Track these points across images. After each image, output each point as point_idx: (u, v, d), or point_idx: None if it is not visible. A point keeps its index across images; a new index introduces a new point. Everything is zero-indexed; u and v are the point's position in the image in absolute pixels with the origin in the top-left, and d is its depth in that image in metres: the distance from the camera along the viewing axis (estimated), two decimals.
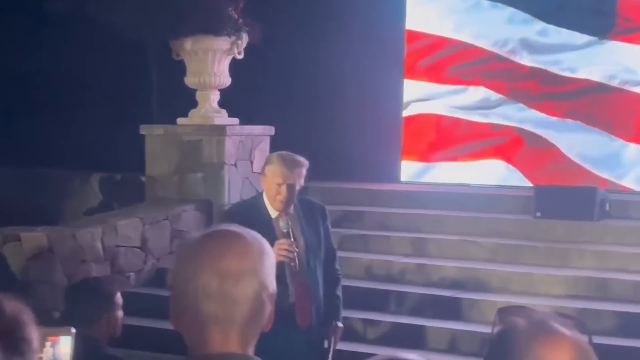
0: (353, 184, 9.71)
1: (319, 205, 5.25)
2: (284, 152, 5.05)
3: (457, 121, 10.34)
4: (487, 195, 9.29)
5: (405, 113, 10.48)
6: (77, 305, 3.93)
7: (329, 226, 5.23)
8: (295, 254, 4.80)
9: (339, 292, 5.20)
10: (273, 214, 4.95)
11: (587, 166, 9.81)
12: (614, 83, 9.74)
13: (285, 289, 4.84)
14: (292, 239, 4.82)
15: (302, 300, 4.94)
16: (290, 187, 4.90)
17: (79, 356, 2.87)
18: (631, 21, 9.72)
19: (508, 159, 10.16)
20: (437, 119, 10.42)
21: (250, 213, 4.83)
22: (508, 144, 10.16)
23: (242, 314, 1.79)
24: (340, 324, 5.13)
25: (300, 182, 4.95)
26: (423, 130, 10.49)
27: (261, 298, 1.81)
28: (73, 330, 2.87)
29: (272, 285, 1.84)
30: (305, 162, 5.01)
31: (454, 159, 10.36)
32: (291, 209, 4.98)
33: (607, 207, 8.44)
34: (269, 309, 1.83)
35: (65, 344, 2.85)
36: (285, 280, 4.82)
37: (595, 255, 7.84)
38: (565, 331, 1.78)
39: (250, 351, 1.83)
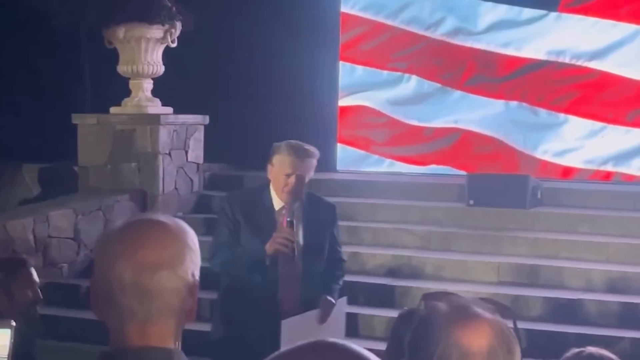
0: None
1: (328, 205, 4.95)
2: (293, 141, 4.75)
3: (394, 120, 10.24)
4: (421, 183, 9.34)
5: (343, 102, 10.44)
6: None
7: (337, 226, 4.95)
8: (295, 244, 4.56)
9: (338, 275, 4.90)
10: (277, 205, 4.72)
11: (528, 148, 9.75)
12: (564, 59, 9.62)
13: (274, 285, 4.66)
14: (295, 229, 4.58)
15: (290, 301, 4.70)
16: (299, 179, 4.64)
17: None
18: None
19: (448, 158, 10.05)
20: (372, 114, 10.34)
21: (253, 201, 4.70)
22: (448, 143, 9.98)
23: (159, 307, 1.75)
24: (329, 298, 4.72)
25: (310, 174, 4.71)
26: (359, 124, 10.43)
27: (180, 291, 1.76)
28: (13, 323, 2.83)
29: (193, 277, 1.79)
30: (316, 152, 4.73)
31: (393, 157, 10.29)
32: (296, 205, 4.73)
33: (539, 195, 8.56)
34: (189, 302, 1.79)
35: (3, 336, 2.82)
36: (275, 277, 4.65)
37: (526, 243, 7.95)
38: (485, 315, 1.79)
39: (173, 344, 1.79)
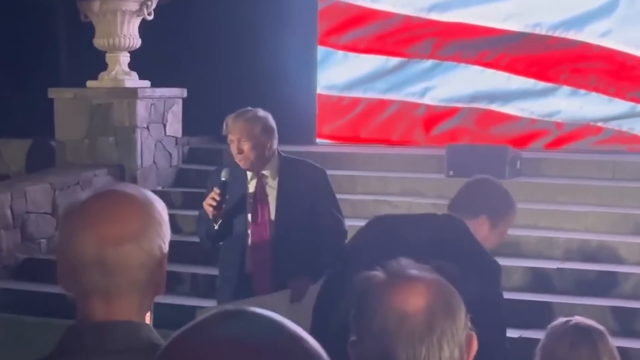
0: None
1: (314, 171, 4.71)
2: (250, 108, 4.64)
3: (380, 102, 10.22)
4: (401, 154, 9.33)
5: (320, 86, 10.36)
6: None
7: (330, 193, 4.65)
8: (223, 205, 4.38)
9: (328, 248, 4.48)
10: (250, 175, 4.60)
11: (516, 112, 9.74)
12: (541, 31, 9.59)
13: (242, 259, 4.56)
14: (222, 190, 4.42)
15: (260, 271, 4.56)
16: (236, 144, 4.50)
17: None
18: None
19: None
20: (350, 99, 10.32)
21: (232, 174, 4.55)
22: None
23: (123, 283, 1.71)
24: (300, 279, 4.39)
25: (249, 141, 4.47)
26: (333, 108, 10.39)
27: (145, 265, 1.71)
28: None
29: (160, 251, 1.73)
30: (255, 117, 4.55)
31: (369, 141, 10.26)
32: (267, 171, 4.59)
33: (518, 165, 8.56)
34: (157, 276, 1.74)
35: None
36: (244, 250, 4.56)
37: None
38: (421, 275, 1.74)
39: (141, 318, 1.74)
